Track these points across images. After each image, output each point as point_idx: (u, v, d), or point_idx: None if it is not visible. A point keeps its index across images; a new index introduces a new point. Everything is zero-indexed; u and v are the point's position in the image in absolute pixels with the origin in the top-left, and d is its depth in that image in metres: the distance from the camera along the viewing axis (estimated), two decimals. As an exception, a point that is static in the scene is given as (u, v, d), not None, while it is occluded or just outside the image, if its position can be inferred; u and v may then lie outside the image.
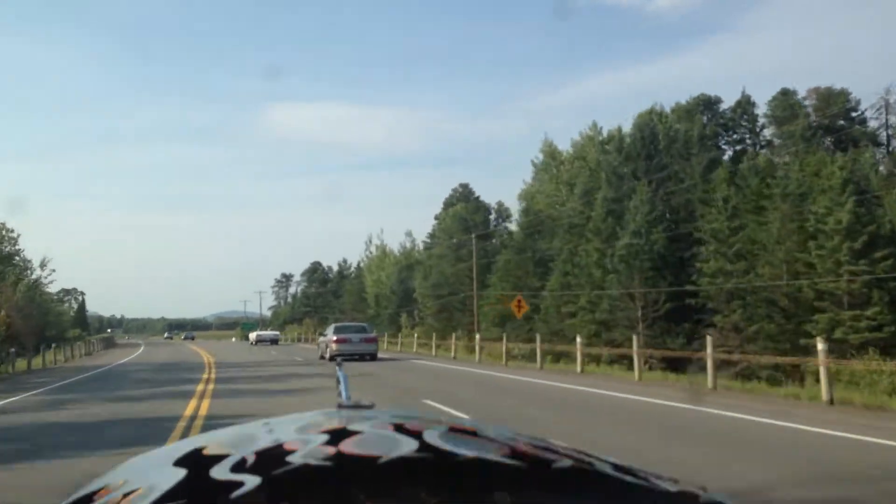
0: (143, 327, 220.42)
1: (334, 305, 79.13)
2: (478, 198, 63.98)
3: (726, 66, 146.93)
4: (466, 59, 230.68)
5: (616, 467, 0.76)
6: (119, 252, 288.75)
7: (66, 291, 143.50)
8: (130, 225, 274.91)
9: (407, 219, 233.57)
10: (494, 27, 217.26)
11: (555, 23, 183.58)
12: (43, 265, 45.96)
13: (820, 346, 12.28)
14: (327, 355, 25.82)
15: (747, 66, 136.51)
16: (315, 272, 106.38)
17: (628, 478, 0.74)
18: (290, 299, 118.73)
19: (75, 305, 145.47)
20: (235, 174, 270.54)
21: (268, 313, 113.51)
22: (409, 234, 73.64)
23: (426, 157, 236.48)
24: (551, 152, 49.24)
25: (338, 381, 1.16)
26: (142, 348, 57.39)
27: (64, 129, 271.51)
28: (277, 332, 65.10)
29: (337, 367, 1.30)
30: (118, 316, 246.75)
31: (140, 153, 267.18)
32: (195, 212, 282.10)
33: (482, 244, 44.92)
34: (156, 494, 0.68)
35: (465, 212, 55.13)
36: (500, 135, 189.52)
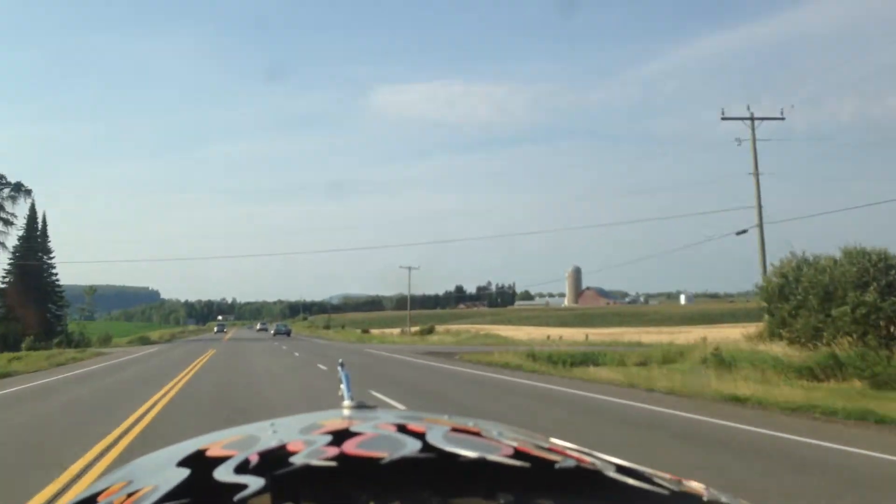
0: (257, 312, 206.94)
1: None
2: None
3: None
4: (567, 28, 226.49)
5: (620, 468, 0.76)
6: (229, 237, 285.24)
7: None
8: (245, 214, 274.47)
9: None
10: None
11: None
12: None
13: None
14: None
15: None
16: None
17: (632, 478, 0.74)
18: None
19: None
20: (347, 160, 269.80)
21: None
22: None
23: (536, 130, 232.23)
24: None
25: (340, 381, 1.17)
26: None
27: (181, 124, 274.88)
28: None
29: (339, 367, 1.30)
30: (229, 300, 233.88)
31: (248, 144, 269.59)
32: (330, 197, 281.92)
33: None
34: (159, 494, 0.69)
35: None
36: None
